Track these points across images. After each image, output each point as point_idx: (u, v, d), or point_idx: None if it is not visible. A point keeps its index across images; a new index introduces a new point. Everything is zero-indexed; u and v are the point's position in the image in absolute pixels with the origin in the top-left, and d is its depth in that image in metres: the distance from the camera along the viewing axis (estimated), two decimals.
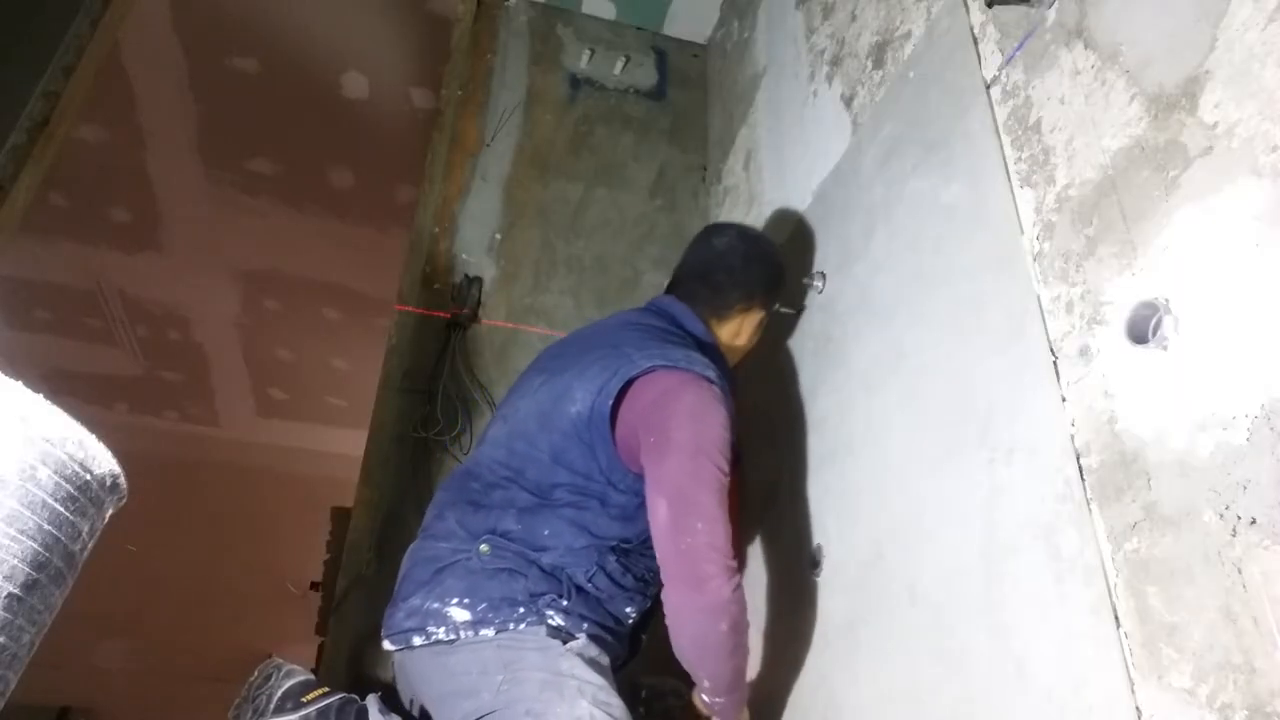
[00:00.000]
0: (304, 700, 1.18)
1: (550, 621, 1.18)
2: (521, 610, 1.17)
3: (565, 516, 1.25)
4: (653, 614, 1.35)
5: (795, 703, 1.36)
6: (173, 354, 4.97)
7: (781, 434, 1.58)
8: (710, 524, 1.14)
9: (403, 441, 1.84)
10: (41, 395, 0.52)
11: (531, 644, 1.15)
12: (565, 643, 1.17)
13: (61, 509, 0.51)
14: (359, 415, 2.76)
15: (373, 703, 1.22)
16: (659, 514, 1.16)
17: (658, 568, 1.19)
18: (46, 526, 0.50)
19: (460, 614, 1.18)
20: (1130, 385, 0.80)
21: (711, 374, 1.25)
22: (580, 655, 1.16)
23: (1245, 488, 0.67)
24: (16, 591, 0.48)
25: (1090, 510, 0.82)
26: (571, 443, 1.26)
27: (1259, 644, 0.64)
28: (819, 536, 1.36)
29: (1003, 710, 0.90)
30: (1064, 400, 0.88)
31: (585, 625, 1.22)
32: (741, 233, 1.53)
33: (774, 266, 1.51)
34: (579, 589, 1.23)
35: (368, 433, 1.85)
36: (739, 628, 1.15)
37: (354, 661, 1.63)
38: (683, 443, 1.18)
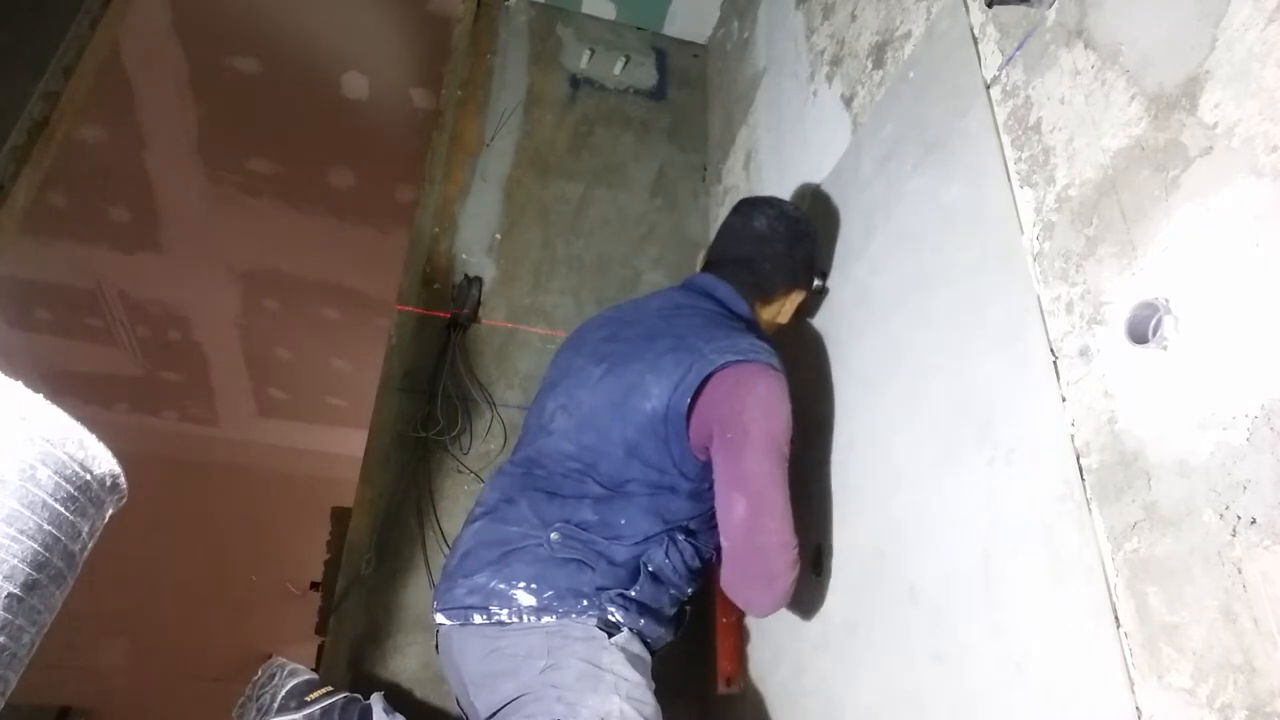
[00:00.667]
0: (307, 699, 1.19)
1: (610, 616, 1.21)
2: (585, 603, 1.20)
3: (640, 505, 1.27)
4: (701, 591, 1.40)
5: (795, 703, 1.36)
6: (173, 354, 4.97)
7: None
8: (780, 522, 1.20)
9: (403, 441, 1.84)
10: (41, 395, 0.52)
11: (579, 634, 1.17)
12: (611, 636, 1.19)
13: (61, 509, 0.51)
14: (359, 415, 2.77)
15: (377, 702, 1.22)
16: (735, 509, 1.20)
17: (716, 545, 1.25)
18: (46, 526, 0.50)
19: (526, 598, 1.19)
20: (1130, 385, 0.80)
21: (776, 361, 1.28)
22: (624, 650, 1.18)
23: (1245, 488, 0.67)
24: (16, 591, 0.48)
25: (1090, 510, 0.82)
26: (646, 437, 1.27)
27: (1259, 644, 0.64)
28: (819, 536, 1.36)
29: (1003, 710, 0.90)
30: (1064, 400, 0.88)
31: (643, 620, 1.24)
32: (782, 212, 1.49)
33: (814, 245, 1.50)
34: (652, 575, 1.25)
35: (368, 433, 1.85)
36: (790, 594, 1.22)
37: (354, 662, 1.63)
38: (757, 438, 1.21)
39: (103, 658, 5.20)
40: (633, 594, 1.23)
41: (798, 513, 1.43)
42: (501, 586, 1.21)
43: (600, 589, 1.21)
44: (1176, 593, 0.72)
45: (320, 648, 1.78)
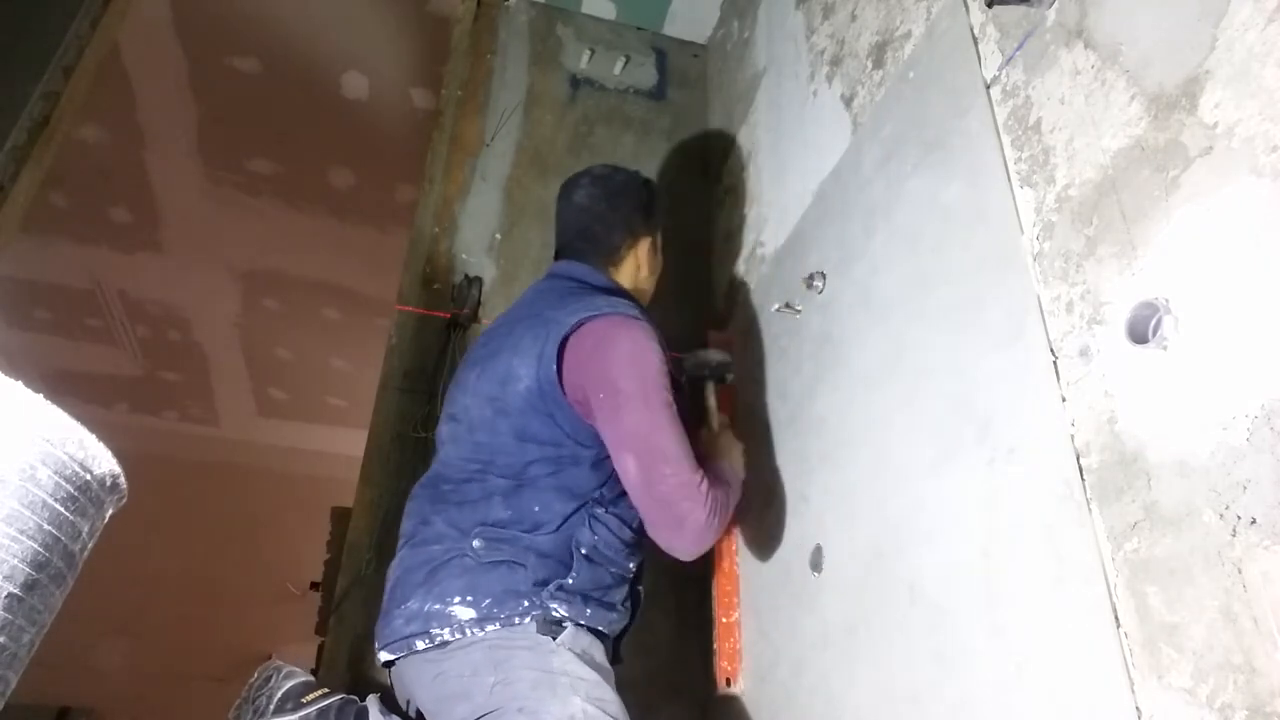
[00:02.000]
0: (304, 700, 1.19)
1: (553, 613, 1.18)
2: (525, 603, 1.17)
3: (547, 486, 1.26)
4: (645, 565, 1.38)
5: (795, 703, 1.36)
6: (173, 354, 4.97)
7: (781, 434, 1.58)
8: (676, 464, 1.19)
9: (403, 441, 1.84)
10: (41, 395, 0.52)
11: (521, 642, 1.15)
12: (555, 638, 1.17)
13: (61, 509, 0.51)
14: (359, 415, 2.77)
15: (373, 703, 1.22)
16: (628, 470, 1.20)
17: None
18: (46, 526, 0.50)
19: (464, 612, 1.17)
20: (1130, 385, 0.80)
21: (635, 311, 1.31)
22: (571, 650, 1.16)
23: (1245, 488, 0.67)
24: (16, 591, 0.48)
25: (1090, 510, 0.82)
26: (530, 418, 1.28)
27: (1259, 644, 0.64)
28: (819, 536, 1.36)
29: (1003, 710, 0.90)
30: (1064, 400, 0.88)
31: (588, 609, 1.21)
32: (594, 177, 1.57)
33: (639, 192, 1.56)
34: (586, 558, 1.23)
35: (368, 433, 1.85)
36: (725, 512, 1.24)
37: (354, 662, 1.63)
38: (631, 392, 1.22)
39: (103, 658, 5.21)
40: (570, 582, 1.21)
41: (797, 512, 1.43)
42: (437, 606, 1.18)
43: (537, 584, 1.19)
44: (1176, 593, 0.72)
45: (320, 648, 1.78)
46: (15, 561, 0.48)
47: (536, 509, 1.25)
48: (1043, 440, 0.90)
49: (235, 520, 5.50)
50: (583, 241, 1.51)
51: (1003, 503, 0.95)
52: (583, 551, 1.24)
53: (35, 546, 0.49)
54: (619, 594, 1.29)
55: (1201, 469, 0.71)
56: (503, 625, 1.16)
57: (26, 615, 0.49)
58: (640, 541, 1.33)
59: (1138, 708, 0.74)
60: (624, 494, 1.28)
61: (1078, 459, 0.85)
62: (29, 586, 0.49)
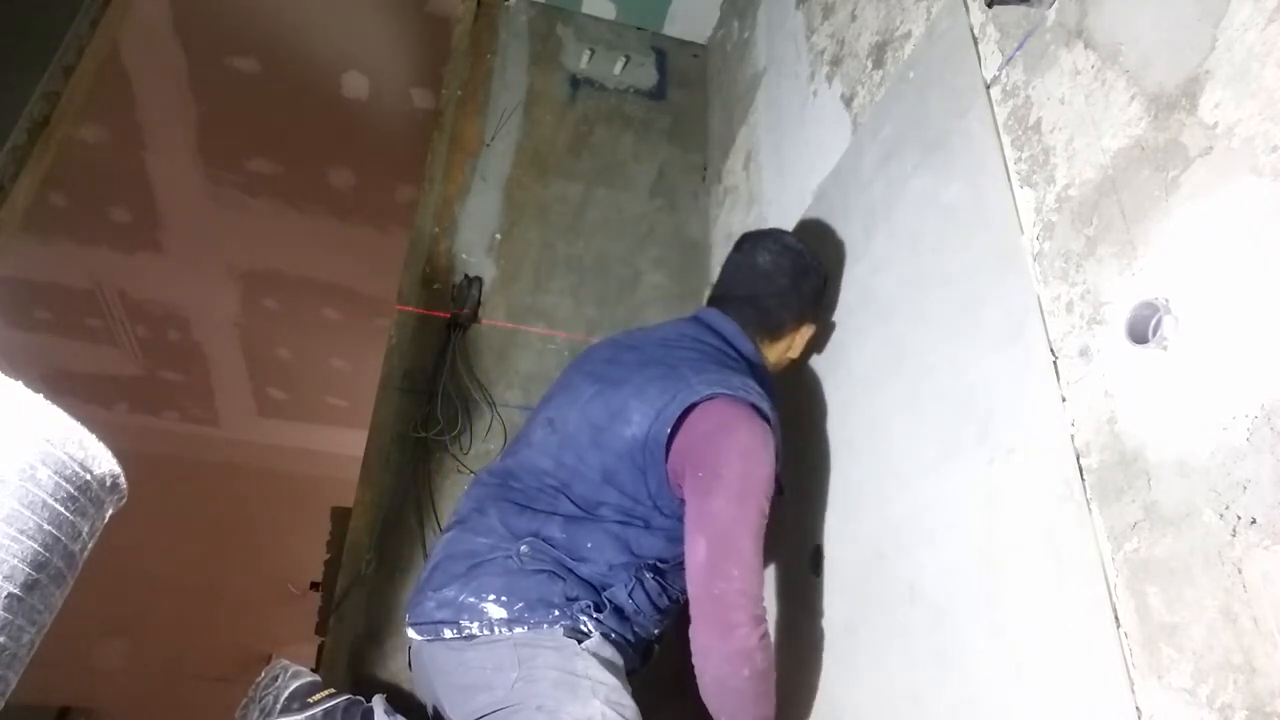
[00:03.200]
0: (310, 701, 1.18)
1: (581, 626, 1.18)
2: (556, 613, 1.18)
3: (610, 532, 1.25)
4: (671, 629, 1.36)
5: (795, 703, 1.36)
6: (173, 354, 4.97)
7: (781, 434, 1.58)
8: (745, 571, 1.14)
9: (403, 441, 1.84)
10: (41, 395, 0.52)
11: (548, 643, 1.16)
12: (580, 641, 1.17)
13: (61, 509, 0.51)
14: (359, 415, 2.77)
15: (379, 704, 1.21)
16: (697, 552, 1.16)
17: (683, 589, 1.22)
18: (46, 526, 0.50)
19: (496, 610, 1.18)
20: (1130, 385, 0.80)
21: (766, 406, 1.24)
22: (595, 655, 1.17)
23: (1245, 488, 0.67)
24: (16, 591, 0.48)
25: (1090, 510, 0.82)
26: (624, 464, 1.25)
27: (1259, 644, 0.64)
28: (819, 536, 1.36)
29: (1003, 710, 0.90)
30: (1064, 400, 0.88)
31: (613, 634, 1.22)
32: (785, 246, 1.45)
33: (820, 280, 1.46)
34: (616, 607, 1.23)
35: (368, 433, 1.85)
36: (762, 675, 1.14)
37: (354, 662, 1.63)
38: (730, 482, 1.17)
39: (103, 658, 5.20)
40: (600, 618, 1.21)
41: (797, 512, 1.43)
42: (471, 600, 1.19)
43: (570, 599, 1.19)
44: (1176, 593, 0.72)
45: (320, 648, 1.78)
46: (15, 561, 0.48)
47: (589, 545, 1.24)
48: (1043, 440, 0.90)
49: (235, 520, 5.50)
50: (748, 306, 1.42)
51: (1003, 503, 0.95)
52: (614, 604, 1.23)
53: (35, 546, 0.49)
54: (639, 645, 1.29)
55: (1201, 469, 0.71)
56: (530, 629, 1.16)
57: (26, 615, 0.49)
58: (673, 611, 1.32)
59: (1138, 708, 0.74)
60: (677, 569, 1.27)
61: (1078, 459, 0.85)
62: (29, 586, 0.49)
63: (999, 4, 1.07)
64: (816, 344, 1.49)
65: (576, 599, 1.20)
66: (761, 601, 1.15)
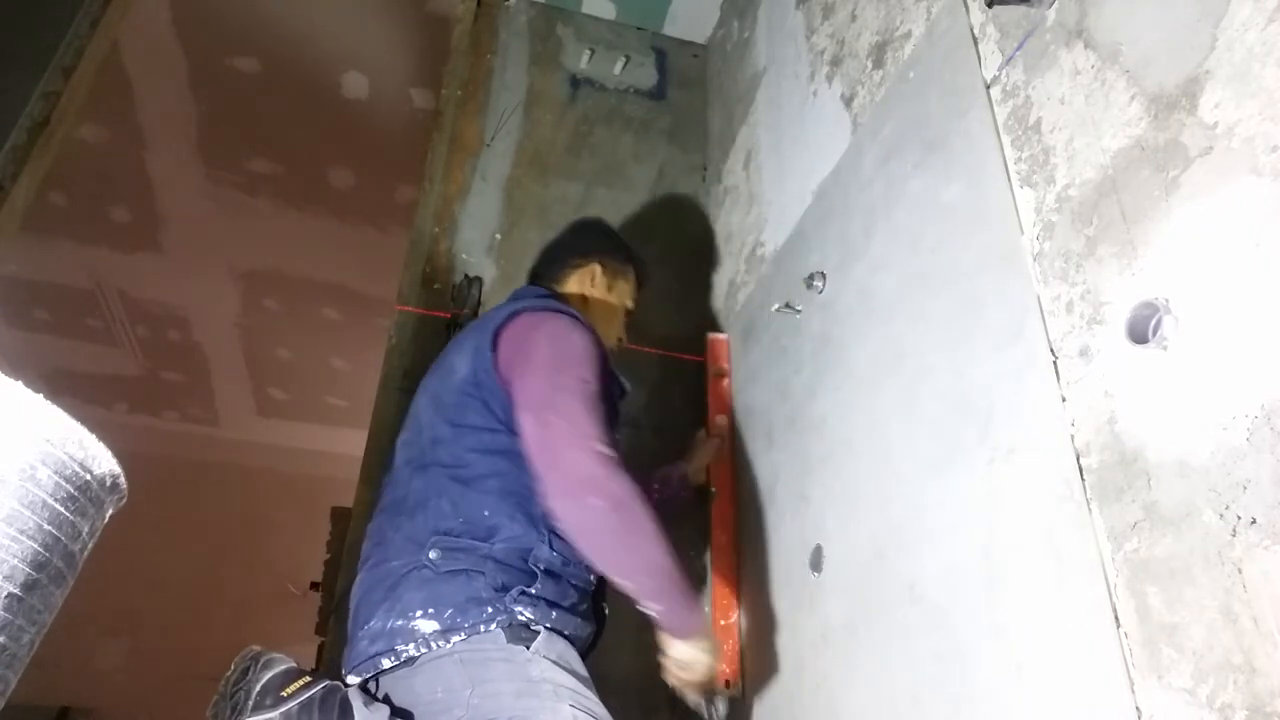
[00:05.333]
0: (284, 694, 1.09)
1: (519, 616, 1.15)
2: (489, 609, 1.14)
3: (493, 490, 1.24)
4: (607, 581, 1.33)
5: (795, 703, 1.36)
6: (173, 354, 4.97)
7: (781, 434, 1.58)
8: (569, 417, 1.16)
9: None
10: (41, 395, 0.52)
11: (495, 653, 1.11)
12: (528, 646, 1.13)
13: (61, 509, 0.51)
14: (359, 415, 2.77)
15: (356, 696, 1.13)
16: (526, 430, 1.18)
17: None
18: (46, 526, 0.50)
19: (427, 625, 1.13)
20: (1130, 385, 0.80)
21: (571, 311, 1.35)
22: (547, 657, 1.12)
23: (1245, 488, 0.67)
24: (16, 591, 0.48)
25: (1090, 510, 0.82)
26: (466, 406, 1.30)
27: (1259, 644, 0.64)
28: (819, 536, 1.36)
29: (1003, 710, 0.90)
30: (1064, 400, 0.88)
31: (554, 613, 1.19)
32: (572, 222, 1.79)
33: (600, 232, 1.71)
34: (548, 573, 1.21)
35: (368, 433, 1.85)
36: (624, 505, 1.13)
37: None
38: (541, 360, 1.23)
39: (102, 658, 5.21)
40: (534, 591, 1.18)
41: (797, 512, 1.43)
42: (399, 623, 1.15)
43: (499, 590, 1.16)
44: (1176, 593, 0.72)
45: (320, 648, 1.78)
46: (15, 561, 0.48)
47: (486, 513, 1.22)
48: (1043, 440, 0.90)
49: (235, 520, 5.50)
50: (542, 265, 1.67)
51: (1003, 503, 0.95)
52: (543, 567, 1.21)
53: (35, 546, 0.49)
54: (582, 604, 1.28)
55: (1201, 469, 0.71)
56: (468, 634, 1.12)
57: (26, 615, 0.49)
58: None
59: (1138, 708, 0.74)
60: None
61: (1078, 459, 0.85)
62: (29, 586, 0.49)
63: (999, 4, 1.07)
64: (631, 294, 1.67)
65: (505, 588, 1.16)
66: (600, 441, 1.15)
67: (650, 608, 1.19)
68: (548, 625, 1.18)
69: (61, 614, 0.54)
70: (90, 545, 0.55)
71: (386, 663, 1.14)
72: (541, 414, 1.18)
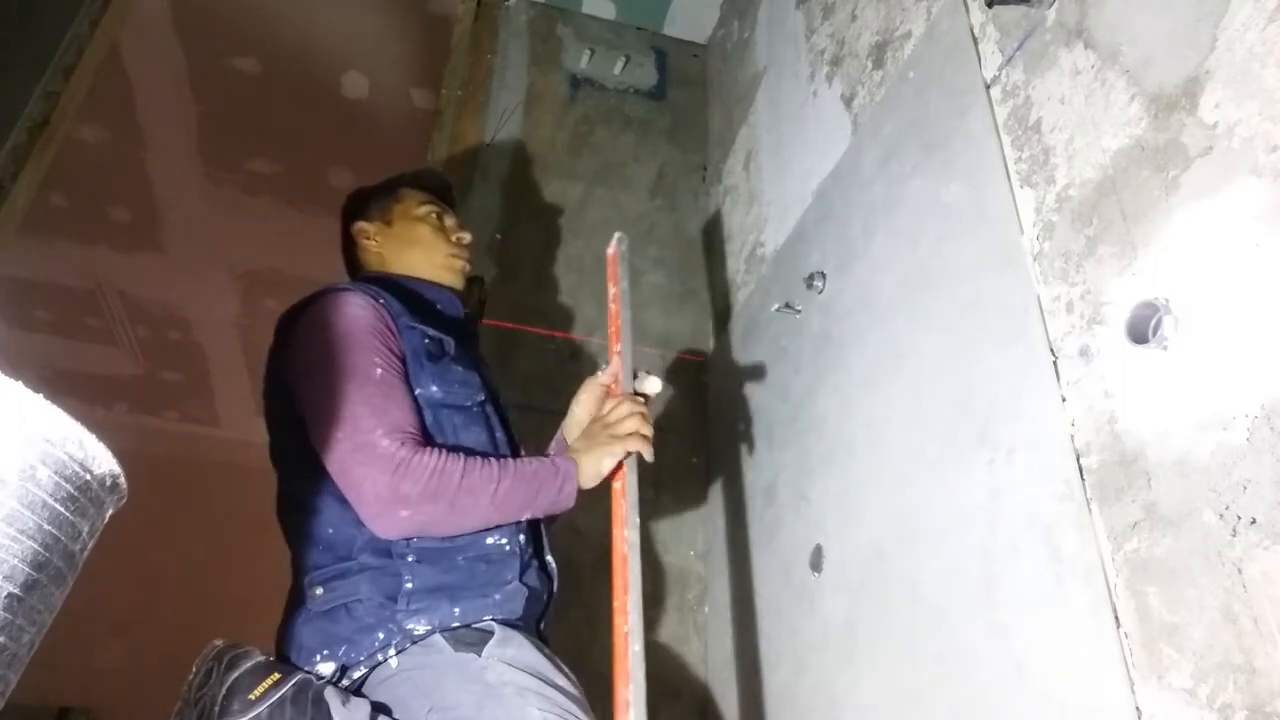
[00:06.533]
0: (251, 698, 1.01)
1: (415, 630, 1.07)
2: (381, 634, 1.07)
3: (328, 502, 1.15)
4: (537, 532, 1.24)
5: (795, 703, 1.36)
6: (173, 354, 4.97)
7: (781, 434, 1.58)
8: (350, 424, 1.06)
9: None
10: (41, 395, 0.52)
11: (445, 666, 1.05)
12: (479, 653, 1.06)
13: (61, 509, 0.51)
14: None
15: (333, 696, 1.06)
16: (321, 455, 1.10)
17: None
18: (46, 526, 0.50)
19: (326, 667, 1.08)
20: (1130, 385, 0.80)
21: (332, 288, 1.23)
22: (501, 660, 1.05)
23: (1245, 488, 0.67)
24: (16, 591, 0.48)
25: (1090, 510, 0.82)
26: (276, 440, 1.24)
27: (1259, 644, 0.64)
28: (819, 536, 1.36)
29: (1003, 710, 0.90)
30: (1064, 400, 0.88)
31: (456, 606, 1.09)
32: None
33: (345, 203, 1.63)
34: (415, 561, 1.11)
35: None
36: (432, 493, 1.04)
37: None
38: (308, 368, 1.13)
39: (102, 658, 5.20)
40: (411, 587, 1.09)
41: (797, 512, 1.43)
42: (307, 669, 1.08)
43: (381, 606, 1.08)
44: (1177, 593, 0.72)
45: None
46: (15, 561, 0.48)
47: (330, 530, 1.15)
48: (1043, 440, 0.90)
49: (235, 520, 5.49)
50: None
51: (1003, 503, 0.95)
52: (409, 558, 1.11)
53: (35, 546, 0.49)
54: (497, 573, 1.14)
55: (1201, 469, 0.71)
56: (366, 665, 1.07)
57: (26, 615, 0.49)
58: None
59: (1138, 708, 0.74)
60: None
61: (1078, 459, 0.85)
62: (29, 586, 0.49)
63: (999, 4, 1.07)
64: (418, 212, 1.49)
65: (391, 599, 1.09)
66: (385, 431, 1.05)
67: (542, 514, 1.13)
68: (454, 624, 1.09)
69: (61, 614, 0.54)
70: (90, 545, 0.55)
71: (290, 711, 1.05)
72: (325, 436, 1.08)
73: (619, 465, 1.13)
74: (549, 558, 1.24)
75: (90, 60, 1.73)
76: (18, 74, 1.61)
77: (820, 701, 1.28)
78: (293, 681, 1.03)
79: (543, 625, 1.21)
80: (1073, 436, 0.86)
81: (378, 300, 1.21)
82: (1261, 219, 0.69)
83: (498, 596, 1.12)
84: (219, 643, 1.11)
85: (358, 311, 1.17)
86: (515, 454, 1.25)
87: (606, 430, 1.16)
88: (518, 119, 2.32)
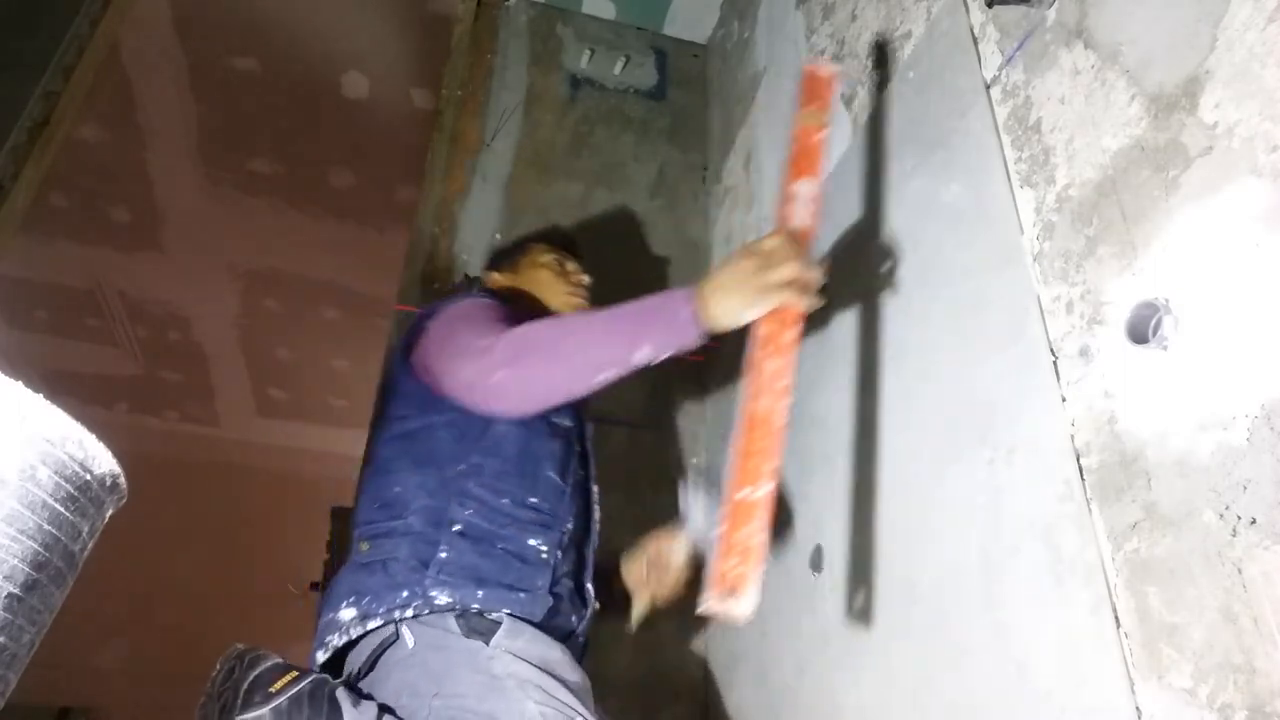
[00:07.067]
0: (272, 691, 1.06)
1: (436, 599, 1.11)
2: (405, 593, 1.11)
3: (404, 467, 1.24)
4: (581, 556, 1.29)
5: (795, 703, 1.36)
6: (173, 354, 4.97)
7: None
8: (456, 346, 1.17)
9: None
10: (41, 395, 0.52)
11: (456, 654, 1.08)
12: (487, 642, 1.08)
13: (61, 509, 0.51)
14: (359, 415, 2.76)
15: (344, 695, 1.09)
16: (443, 383, 1.19)
17: (544, 498, 1.23)
18: (46, 526, 0.50)
19: (348, 613, 1.13)
20: (1130, 385, 0.80)
21: (484, 298, 1.36)
22: (510, 651, 1.08)
23: (1245, 488, 0.67)
24: (16, 591, 0.48)
25: (1090, 510, 0.82)
26: (386, 404, 1.35)
27: (1259, 644, 0.64)
28: (819, 536, 1.36)
29: (1003, 710, 0.90)
30: (1064, 400, 0.88)
31: (480, 590, 1.12)
32: None
33: (503, 247, 1.79)
34: (461, 534, 1.16)
35: (368, 433, 1.84)
36: (524, 348, 1.08)
37: None
38: (434, 328, 1.26)
39: (103, 658, 5.21)
40: (444, 557, 1.14)
41: (797, 512, 1.43)
42: (331, 615, 1.15)
43: (413, 570, 1.13)
44: (1177, 593, 0.72)
45: None
46: (15, 561, 0.48)
47: (397, 489, 1.23)
48: (1043, 440, 0.90)
49: (235, 520, 5.50)
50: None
51: (1003, 503, 0.95)
52: (456, 528, 1.17)
53: (35, 546, 0.49)
54: (529, 575, 1.17)
55: (1201, 469, 0.71)
56: (384, 620, 1.11)
57: (26, 615, 0.49)
58: (541, 521, 1.23)
59: (1138, 708, 0.74)
60: (503, 472, 1.23)
61: (1078, 459, 0.85)
62: (29, 586, 0.49)
63: (999, 4, 1.07)
64: (541, 263, 1.59)
65: (423, 565, 1.14)
66: (481, 336, 1.14)
67: (661, 350, 1.02)
68: (509, 612, 1.12)
69: (61, 614, 0.54)
70: (90, 545, 0.55)
71: (320, 655, 1.14)
72: (440, 364, 1.20)
73: (777, 313, 0.98)
74: (588, 585, 1.28)
75: (90, 60, 1.73)
76: (18, 74, 1.62)
77: (820, 701, 1.28)
78: (310, 679, 1.07)
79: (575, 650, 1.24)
80: (1073, 437, 0.86)
81: (503, 303, 1.35)
82: (1261, 219, 0.69)
83: (522, 595, 1.15)
84: (240, 645, 1.15)
85: (482, 299, 1.34)
86: (587, 476, 1.37)
87: (760, 274, 0.97)
88: (518, 119, 2.32)
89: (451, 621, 1.10)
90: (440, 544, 1.15)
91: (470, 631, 1.09)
